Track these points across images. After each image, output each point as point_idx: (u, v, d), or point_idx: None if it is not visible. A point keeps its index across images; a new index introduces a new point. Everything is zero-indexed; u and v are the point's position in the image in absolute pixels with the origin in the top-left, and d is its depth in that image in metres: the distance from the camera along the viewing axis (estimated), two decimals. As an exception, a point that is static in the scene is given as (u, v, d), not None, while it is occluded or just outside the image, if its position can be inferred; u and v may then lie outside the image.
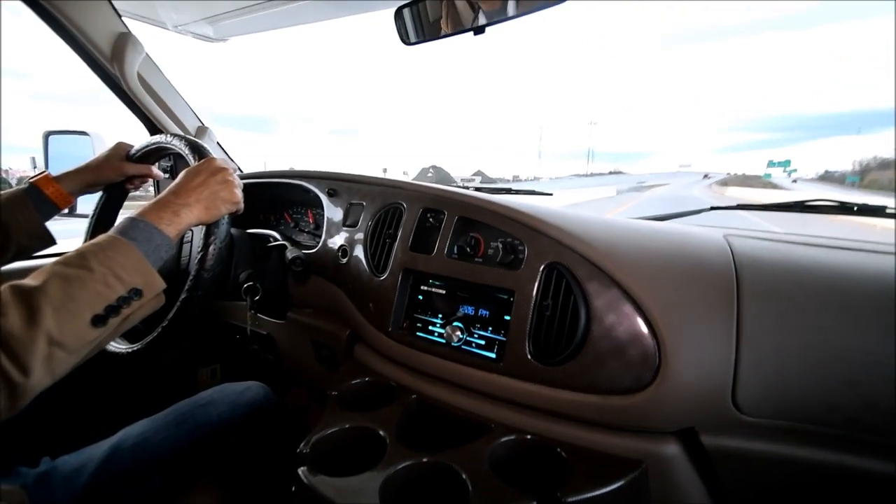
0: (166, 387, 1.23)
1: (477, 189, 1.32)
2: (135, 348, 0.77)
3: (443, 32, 0.85)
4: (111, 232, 0.58)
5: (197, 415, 0.83)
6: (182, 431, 0.80)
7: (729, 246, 0.67)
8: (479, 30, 0.79)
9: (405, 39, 0.91)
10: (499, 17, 0.77)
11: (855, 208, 0.87)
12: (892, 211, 0.83)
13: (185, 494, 0.77)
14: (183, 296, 0.73)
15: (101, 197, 1.00)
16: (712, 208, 1.04)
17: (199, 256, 0.73)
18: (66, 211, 1.16)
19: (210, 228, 0.74)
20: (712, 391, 0.58)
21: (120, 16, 1.19)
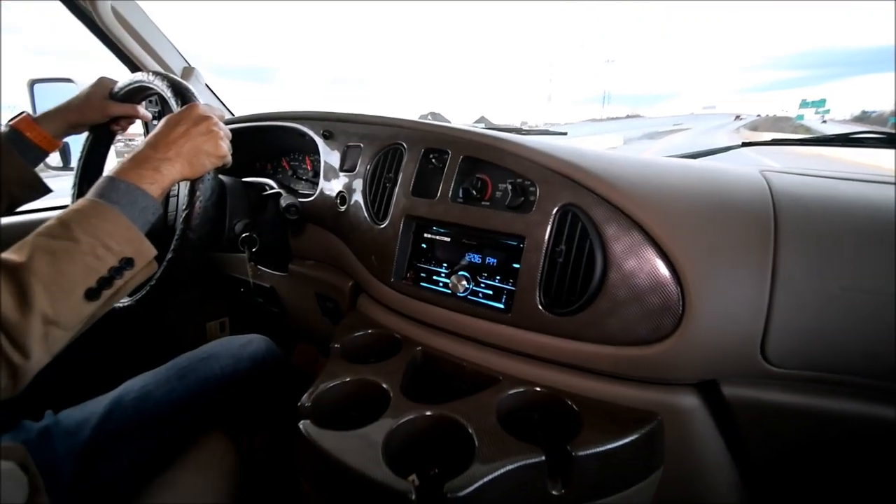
0: (173, 341, 1.23)
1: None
2: (126, 304, 0.74)
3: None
4: (90, 195, 0.53)
5: (198, 368, 0.82)
6: (184, 385, 0.78)
7: (767, 182, 0.60)
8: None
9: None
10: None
11: (906, 140, 0.78)
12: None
13: (187, 448, 0.77)
14: (169, 255, 0.69)
15: (88, 138, 0.94)
16: (744, 144, 0.95)
17: (184, 215, 0.68)
18: (59, 164, 1.11)
19: (194, 184, 0.68)
20: (739, 341, 0.53)
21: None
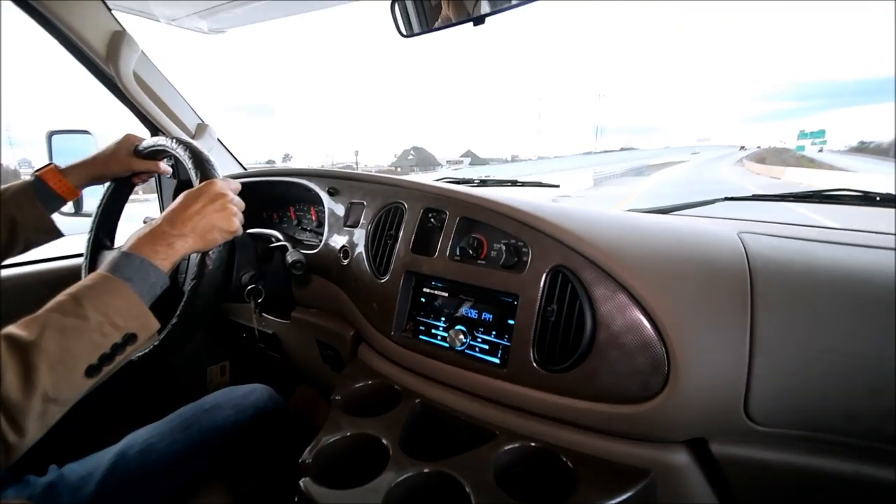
0: (174, 388, 1.24)
1: (482, 182, 1.29)
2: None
3: (440, 24, 0.81)
4: (105, 269, 0.56)
5: (202, 419, 0.83)
6: (187, 436, 0.80)
7: (743, 245, 0.64)
8: (479, 20, 0.76)
9: (401, 31, 0.88)
10: (500, 5, 0.73)
11: (878, 198, 0.83)
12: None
13: (191, 500, 0.77)
14: (174, 321, 0.71)
15: (108, 188, 0.99)
16: (725, 199, 1.00)
17: (192, 284, 0.71)
18: (72, 210, 1.16)
19: (204, 257, 0.71)
20: (724, 400, 0.56)
21: (113, 14, 1.17)
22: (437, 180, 1.24)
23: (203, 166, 0.75)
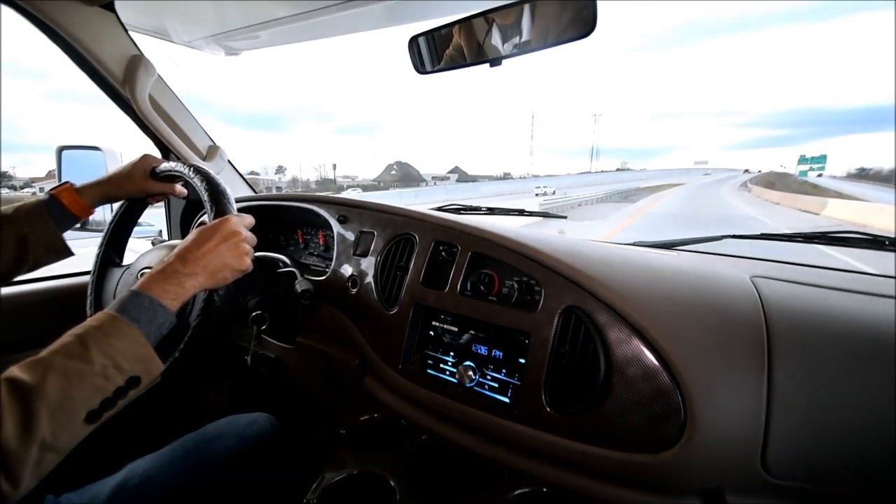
0: (173, 412, 1.22)
1: (490, 210, 1.29)
2: None
3: (457, 63, 0.82)
4: (113, 309, 0.54)
5: (203, 450, 0.82)
6: (188, 468, 0.78)
7: (757, 291, 0.64)
8: (495, 62, 0.77)
9: (419, 68, 0.89)
10: (516, 51, 0.75)
11: (887, 242, 0.83)
12: (930, 247, 0.79)
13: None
14: (176, 355, 0.69)
15: (122, 206, 0.98)
16: (732, 236, 1.00)
17: (198, 321, 0.70)
18: (77, 225, 1.16)
19: (212, 294, 0.70)
20: (741, 452, 0.55)
21: (132, 38, 1.19)
22: (442, 207, 1.24)
23: (219, 200, 0.74)
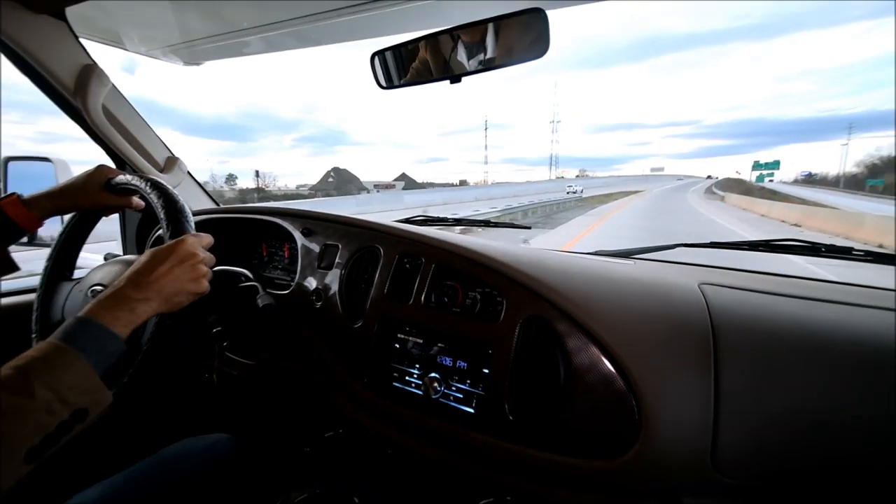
0: (125, 436, 1.16)
1: (457, 222, 1.31)
2: None
3: (419, 79, 0.84)
4: (58, 338, 0.50)
5: (159, 476, 0.78)
6: (143, 496, 0.74)
7: (704, 298, 0.67)
8: (455, 79, 0.79)
9: (380, 83, 0.90)
10: (477, 68, 0.77)
11: (823, 249, 0.89)
12: (860, 254, 0.85)
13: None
14: (125, 380, 0.66)
15: (73, 217, 0.92)
16: (683, 245, 1.05)
17: (148, 345, 0.66)
18: (24, 239, 1.10)
19: (165, 317, 0.66)
20: (692, 452, 0.57)
21: (83, 47, 1.15)
22: (410, 219, 1.25)
23: (176, 219, 0.70)
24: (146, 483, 0.76)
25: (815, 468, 0.56)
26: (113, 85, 1.21)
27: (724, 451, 0.57)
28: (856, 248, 0.87)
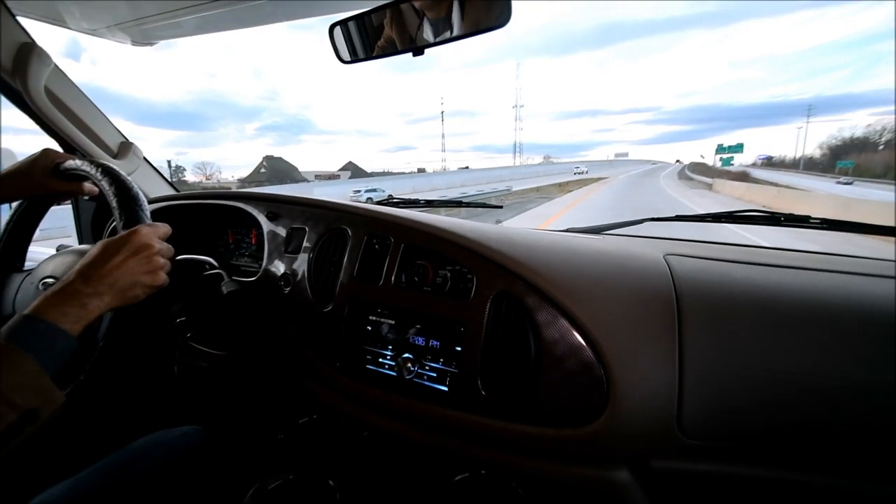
0: (89, 432, 1.12)
1: (428, 203, 1.30)
2: None
3: (380, 52, 0.81)
4: (2, 337, 0.48)
5: (127, 471, 0.76)
6: (110, 493, 0.72)
7: (669, 268, 0.69)
8: (417, 51, 0.77)
9: (341, 57, 0.86)
10: (438, 39, 0.74)
11: (782, 218, 0.92)
12: (816, 221, 0.88)
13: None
14: (81, 377, 0.63)
15: (20, 204, 0.87)
16: (652, 219, 1.07)
17: (104, 341, 0.63)
18: None
19: (121, 313, 0.63)
20: (659, 416, 0.59)
21: (21, 25, 1.07)
22: (383, 202, 1.23)
23: (129, 207, 0.66)
24: (112, 479, 0.74)
25: (775, 426, 0.59)
26: (56, 65, 1.13)
27: (688, 414, 0.58)
28: (812, 216, 0.91)
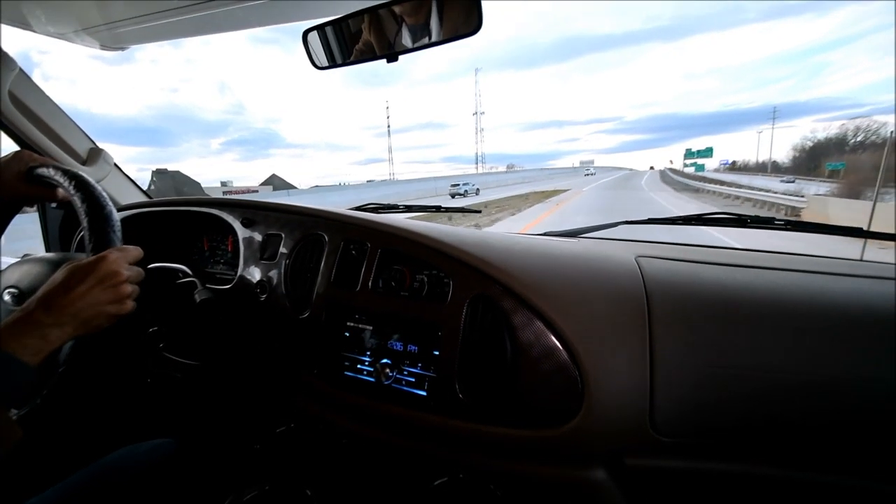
0: (57, 447, 1.08)
1: (407, 208, 1.30)
2: None
3: (357, 57, 0.81)
4: None
5: (98, 488, 0.73)
6: None
7: (640, 269, 0.70)
8: (391, 57, 0.77)
9: (315, 63, 0.86)
10: (413, 45, 0.75)
11: (748, 220, 0.95)
12: (781, 223, 0.91)
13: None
14: (38, 401, 0.61)
15: None
16: (625, 222, 1.09)
17: (64, 367, 0.61)
18: None
19: (83, 339, 0.60)
20: (632, 414, 0.60)
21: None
22: (360, 207, 1.22)
23: (100, 230, 0.63)
24: (82, 495, 0.72)
25: (745, 422, 0.61)
26: (21, 69, 1.10)
27: (660, 412, 0.60)
28: (777, 218, 0.94)
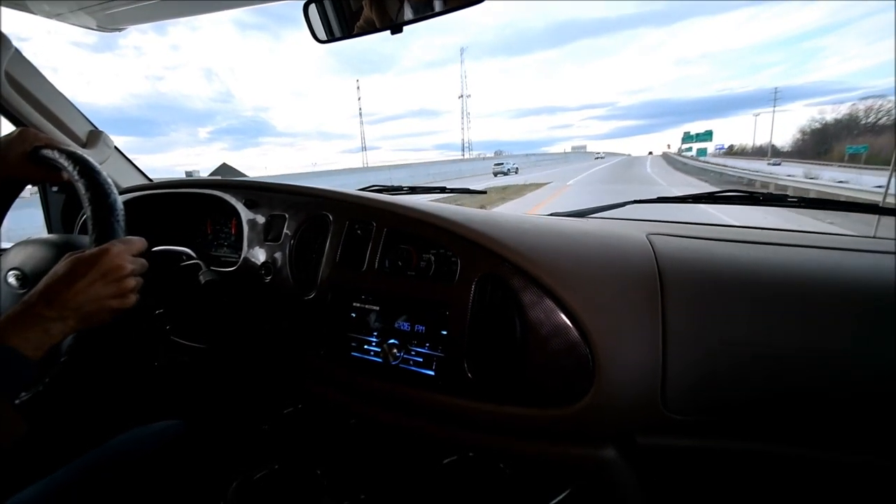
0: (65, 429, 1.09)
1: (412, 189, 1.28)
2: None
3: (359, 30, 0.79)
4: None
5: (107, 469, 0.73)
6: (90, 493, 0.70)
7: (652, 247, 0.69)
8: (396, 28, 0.75)
9: (317, 36, 0.84)
10: (417, 15, 0.73)
11: (761, 198, 0.93)
12: (794, 200, 0.89)
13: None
14: (39, 388, 0.60)
15: None
16: (634, 201, 1.07)
17: (66, 357, 0.60)
18: None
19: (85, 332, 0.59)
20: (644, 393, 0.59)
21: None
22: (365, 189, 1.21)
23: (104, 221, 0.61)
24: (92, 475, 0.72)
25: (757, 400, 0.60)
26: (17, 49, 1.08)
27: (672, 390, 0.59)
28: (789, 195, 0.92)
